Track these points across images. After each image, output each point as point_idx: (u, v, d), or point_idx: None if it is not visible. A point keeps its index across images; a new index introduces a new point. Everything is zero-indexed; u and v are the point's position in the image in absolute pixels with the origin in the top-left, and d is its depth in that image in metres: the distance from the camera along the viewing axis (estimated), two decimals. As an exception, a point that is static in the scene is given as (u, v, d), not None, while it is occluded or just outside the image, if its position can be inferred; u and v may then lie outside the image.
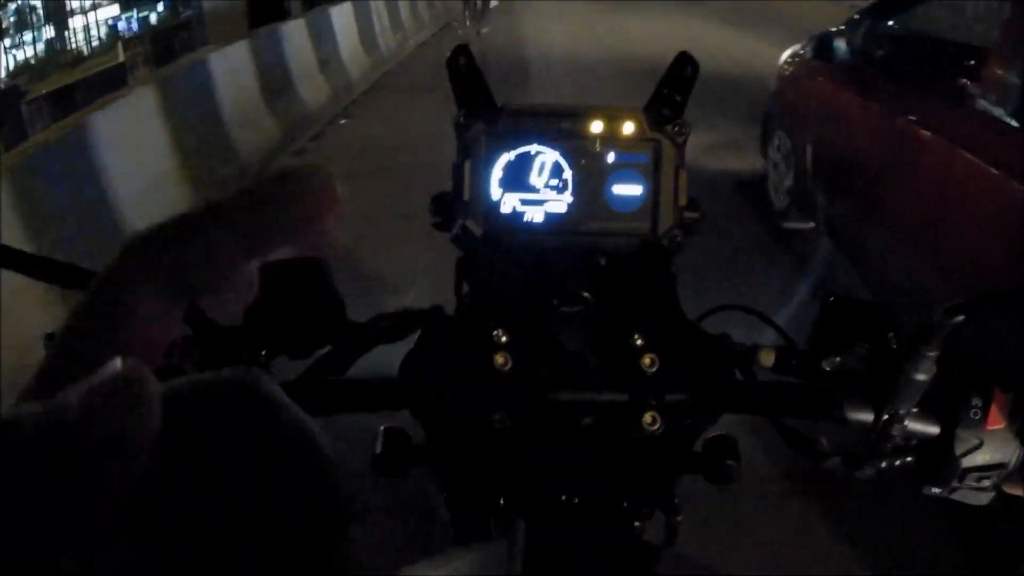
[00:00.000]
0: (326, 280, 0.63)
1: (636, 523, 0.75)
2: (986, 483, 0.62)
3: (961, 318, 0.58)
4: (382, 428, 0.78)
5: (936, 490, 0.64)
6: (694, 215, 0.73)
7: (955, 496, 0.64)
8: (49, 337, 0.60)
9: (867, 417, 0.63)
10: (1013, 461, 0.61)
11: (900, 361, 0.62)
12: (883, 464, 0.65)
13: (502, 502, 0.69)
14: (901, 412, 0.61)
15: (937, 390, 0.62)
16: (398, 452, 0.76)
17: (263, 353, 0.62)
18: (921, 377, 0.60)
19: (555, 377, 0.64)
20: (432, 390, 0.64)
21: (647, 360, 0.64)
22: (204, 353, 0.58)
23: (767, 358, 0.67)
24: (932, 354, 0.61)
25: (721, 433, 0.82)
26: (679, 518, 0.82)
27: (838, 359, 0.64)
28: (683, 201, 0.71)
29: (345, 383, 0.63)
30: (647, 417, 0.63)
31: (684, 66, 0.71)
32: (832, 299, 0.65)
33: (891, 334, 0.63)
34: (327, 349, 0.65)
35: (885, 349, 0.63)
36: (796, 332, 0.71)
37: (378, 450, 0.76)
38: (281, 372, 0.63)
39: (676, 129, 0.71)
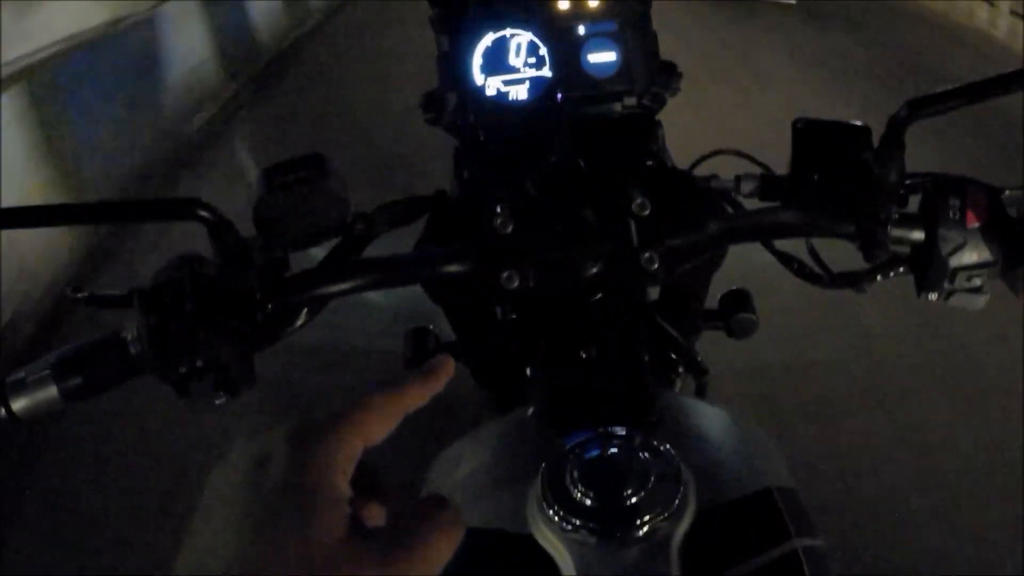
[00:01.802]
0: (329, 173, 0.66)
1: (661, 376, 0.78)
2: (977, 281, 0.64)
3: (906, 112, 0.60)
4: (409, 331, 0.82)
5: (933, 295, 0.65)
6: (671, 75, 0.75)
7: (952, 301, 0.65)
8: (75, 289, 0.64)
9: (851, 228, 0.65)
10: (1001, 258, 0.62)
11: (876, 165, 0.64)
12: (878, 276, 0.67)
13: (529, 372, 0.72)
14: (883, 217, 0.64)
15: (917, 196, 0.64)
16: (425, 349, 0.79)
17: (279, 254, 0.65)
18: (894, 177, 0.62)
19: (557, 235, 0.67)
20: (444, 257, 0.67)
21: (638, 203, 0.66)
22: (222, 251, 0.61)
23: (750, 185, 0.69)
24: (902, 151, 0.63)
25: (735, 288, 0.84)
26: (707, 377, 0.84)
27: (817, 178, 0.66)
28: (656, 60, 0.74)
29: (363, 262, 0.66)
30: (645, 255, 0.65)
31: None
32: (802, 122, 0.66)
33: (863, 145, 0.65)
34: (337, 240, 0.68)
35: (860, 162, 0.65)
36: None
37: (407, 352, 0.80)
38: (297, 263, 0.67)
39: None
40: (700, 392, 0.84)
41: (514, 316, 0.70)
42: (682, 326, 0.80)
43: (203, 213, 0.59)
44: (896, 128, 0.63)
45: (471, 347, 0.77)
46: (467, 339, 0.77)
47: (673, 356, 0.80)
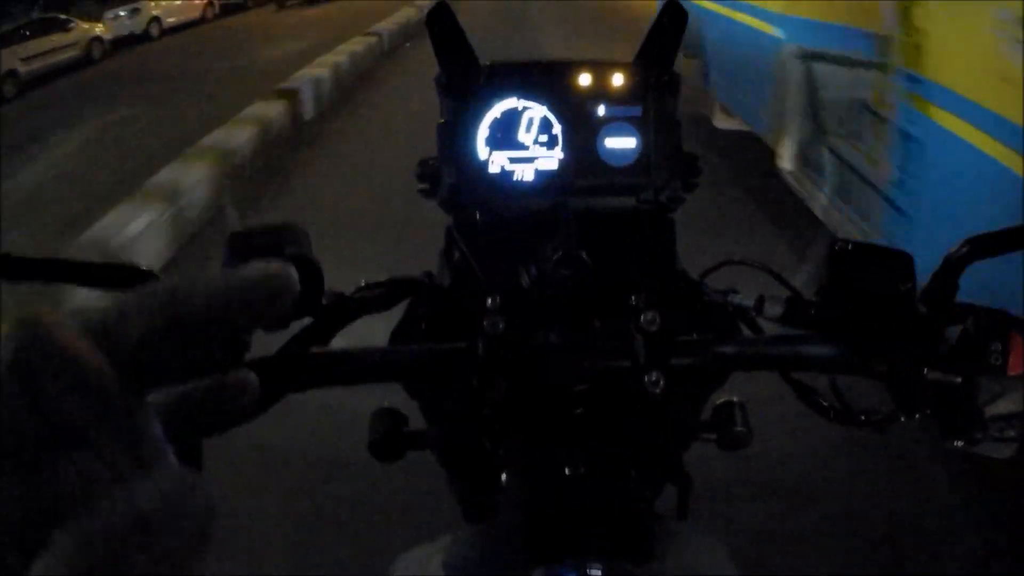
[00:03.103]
0: (302, 246, 0.59)
1: (647, 495, 0.72)
2: (1010, 433, 0.58)
3: (966, 251, 0.56)
4: (377, 411, 0.75)
5: (959, 443, 0.59)
6: (692, 169, 0.69)
7: (979, 449, 0.59)
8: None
9: (883, 367, 0.58)
10: None
11: (916, 307, 0.58)
12: (903, 418, 0.61)
13: (504, 479, 0.66)
14: (920, 361, 0.57)
15: (956, 339, 0.58)
16: (393, 435, 0.72)
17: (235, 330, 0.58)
18: (939, 322, 0.57)
19: (552, 341, 0.61)
20: (423, 358, 0.60)
21: (648, 318, 0.60)
22: None
23: (774, 309, 0.62)
24: (949, 297, 0.57)
25: (730, 398, 0.78)
26: (691, 488, 0.78)
27: (850, 308, 0.59)
28: (679, 153, 0.68)
29: (331, 355, 0.59)
30: (650, 377, 0.58)
31: (672, 14, 0.67)
32: (841, 244, 0.59)
33: (905, 279, 0.59)
34: (307, 321, 0.61)
35: (899, 295, 0.59)
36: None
37: (374, 434, 0.72)
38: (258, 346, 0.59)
39: (668, 80, 0.68)
40: (683, 505, 0.78)
41: (492, 416, 0.63)
42: (672, 441, 0.74)
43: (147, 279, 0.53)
44: (952, 266, 0.57)
45: (443, 440, 0.70)
46: (439, 430, 0.70)
47: (658, 466, 0.74)
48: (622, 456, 0.65)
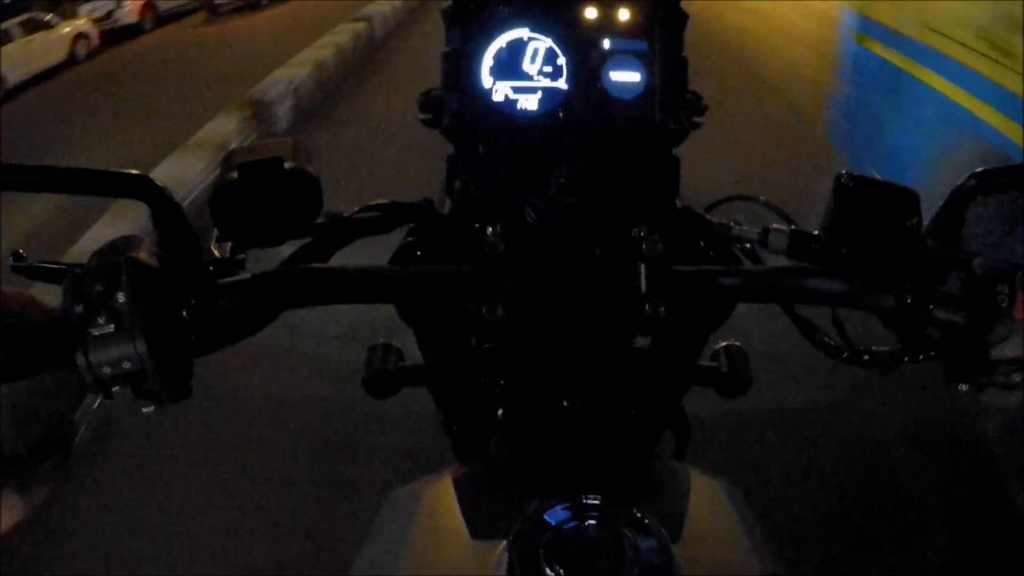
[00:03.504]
0: (301, 158, 0.58)
1: (648, 434, 0.71)
2: (1017, 377, 0.57)
3: (973, 184, 0.55)
4: (375, 345, 0.74)
5: (965, 386, 0.58)
6: (698, 106, 0.69)
7: (984, 395, 0.59)
8: (17, 257, 0.56)
9: (889, 303, 0.58)
10: None
11: (923, 242, 0.58)
12: (907, 359, 0.60)
13: (500, 413, 0.65)
14: (925, 298, 0.56)
15: (963, 280, 0.56)
16: (388, 370, 0.71)
17: (230, 245, 0.57)
18: (948, 254, 0.56)
19: (550, 266, 0.60)
20: (423, 280, 0.59)
21: (650, 246, 0.59)
22: (165, 239, 0.53)
23: (779, 241, 0.61)
24: (956, 231, 0.57)
25: (730, 343, 0.78)
26: (689, 433, 0.77)
27: (856, 243, 0.58)
28: (682, 89, 0.67)
29: (328, 271, 0.58)
30: (652, 305, 0.57)
31: None
32: (847, 177, 0.58)
33: (911, 215, 0.58)
34: (306, 240, 0.60)
35: (906, 231, 0.57)
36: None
37: (369, 369, 0.71)
38: (256, 262, 0.58)
39: (675, 13, 0.67)
40: (681, 451, 0.77)
41: (490, 346, 0.62)
42: (672, 380, 0.74)
43: (149, 191, 0.52)
44: (959, 200, 0.56)
45: (439, 373, 0.69)
46: (436, 364, 0.69)
47: (657, 408, 0.74)
48: (622, 391, 0.65)
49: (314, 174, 0.56)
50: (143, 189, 0.52)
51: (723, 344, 0.77)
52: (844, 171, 0.60)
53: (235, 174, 0.54)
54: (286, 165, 0.55)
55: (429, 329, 0.67)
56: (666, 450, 0.76)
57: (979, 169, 0.56)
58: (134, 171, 0.52)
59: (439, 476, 0.63)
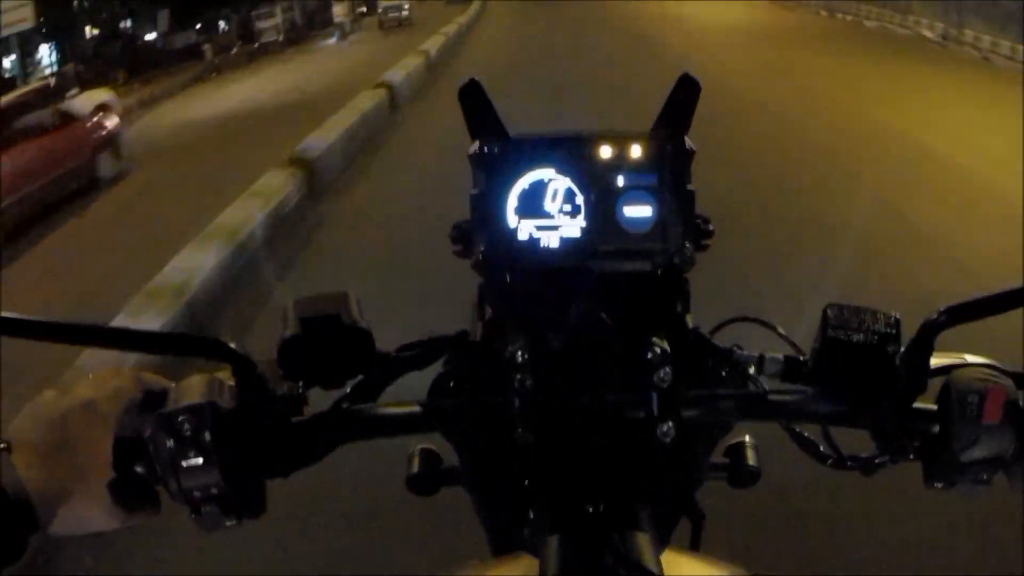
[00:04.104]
0: (354, 312, 0.67)
1: (663, 528, 0.78)
2: (984, 476, 0.65)
3: (943, 320, 0.63)
4: (415, 449, 0.82)
5: (939, 484, 0.67)
6: (705, 231, 0.75)
7: (957, 490, 0.67)
8: None
9: (869, 420, 0.67)
10: (1010, 453, 0.64)
11: (900, 364, 0.66)
12: (887, 463, 0.69)
13: (532, 515, 0.73)
14: (901, 412, 0.66)
15: (939, 390, 0.66)
16: (430, 472, 0.80)
17: (299, 385, 0.66)
18: (917, 379, 0.65)
19: (574, 394, 0.67)
20: (459, 412, 0.68)
21: (661, 373, 0.67)
22: (242, 387, 0.62)
23: (774, 366, 0.71)
24: (929, 355, 0.64)
25: (741, 439, 0.85)
26: (704, 523, 0.84)
27: (840, 370, 0.67)
28: (692, 218, 0.74)
29: (377, 410, 0.67)
30: (662, 428, 0.66)
31: (687, 87, 0.73)
32: (834, 308, 0.68)
33: (892, 341, 0.67)
34: (359, 379, 0.69)
35: (886, 353, 0.66)
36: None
37: (411, 471, 0.80)
38: (316, 401, 0.67)
39: (681, 148, 0.74)
40: (696, 538, 0.84)
41: (521, 459, 0.71)
42: (685, 479, 0.81)
43: (225, 351, 0.61)
44: (928, 332, 0.65)
45: (475, 477, 0.77)
46: (472, 469, 0.77)
47: (672, 502, 0.81)
48: (638, 495, 0.72)
49: (365, 327, 0.65)
50: (223, 351, 0.61)
51: (734, 440, 0.84)
52: (831, 303, 0.68)
53: (298, 329, 0.64)
54: (343, 319, 0.64)
55: (467, 443, 0.75)
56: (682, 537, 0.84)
57: (946, 306, 0.64)
58: (215, 337, 0.61)
59: (472, 568, 0.71)
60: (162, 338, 0.61)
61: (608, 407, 0.68)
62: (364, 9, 37.44)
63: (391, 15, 30.22)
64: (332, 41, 27.54)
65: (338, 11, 31.30)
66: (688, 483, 0.81)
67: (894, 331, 0.67)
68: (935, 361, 0.67)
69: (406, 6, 30.32)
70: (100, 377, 0.63)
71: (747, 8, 23.23)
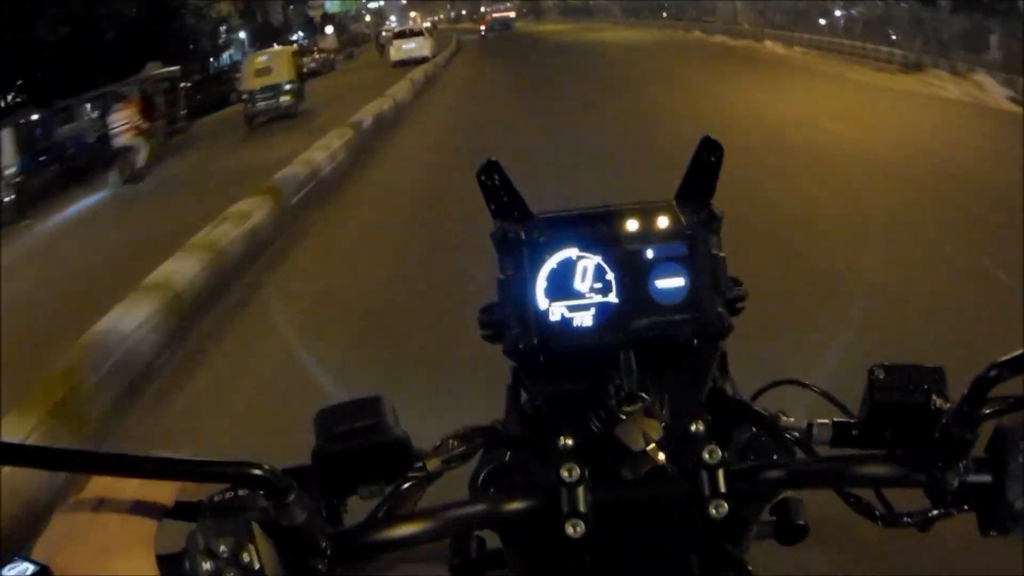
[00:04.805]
0: (387, 415, 0.66)
1: None
2: None
3: (993, 375, 0.61)
4: (454, 536, 0.81)
5: (994, 533, 0.66)
6: (738, 295, 0.74)
7: (1014, 536, 0.66)
8: None
9: (923, 479, 0.66)
10: None
11: (950, 420, 0.64)
12: (943, 516, 0.67)
13: None
14: (954, 469, 0.64)
15: (989, 439, 0.65)
16: (474, 557, 0.78)
17: (334, 498, 0.64)
18: (969, 436, 0.63)
19: (623, 481, 0.66)
20: (507, 509, 0.66)
21: (708, 452, 0.65)
22: (274, 500, 0.60)
23: (823, 433, 0.69)
24: (976, 413, 0.63)
25: (787, 496, 0.83)
26: None
27: (888, 429, 0.66)
28: (723, 284, 0.72)
29: (421, 516, 0.65)
30: (712, 507, 0.65)
31: (709, 151, 0.72)
32: (878, 369, 0.66)
33: (939, 395, 0.65)
34: (396, 486, 0.67)
35: (935, 410, 0.65)
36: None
37: (455, 556, 0.78)
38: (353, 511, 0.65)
39: (708, 215, 0.72)
40: None
41: (573, 549, 0.69)
42: (736, 542, 0.79)
43: (256, 473, 0.59)
44: (979, 388, 0.63)
45: (524, 568, 0.76)
46: (519, 559, 0.76)
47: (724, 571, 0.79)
48: (690, 567, 0.71)
49: (401, 434, 0.63)
50: (253, 479, 0.59)
51: (781, 497, 0.83)
52: (876, 363, 0.66)
53: (331, 442, 0.62)
54: (376, 430, 0.62)
55: (513, 533, 0.73)
56: None
57: (999, 360, 0.62)
58: (244, 460, 0.59)
59: None
60: (186, 464, 0.59)
61: (657, 489, 0.66)
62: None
63: (263, 103, 17.38)
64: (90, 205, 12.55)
65: (125, 136, 13.67)
66: (737, 547, 0.80)
67: (940, 385, 0.65)
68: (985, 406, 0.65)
69: (287, 85, 17.70)
70: (133, 488, 0.61)
71: (640, 31, 34.04)
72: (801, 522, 0.81)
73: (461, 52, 34.09)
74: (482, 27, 52.85)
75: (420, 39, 30.12)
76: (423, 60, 27.16)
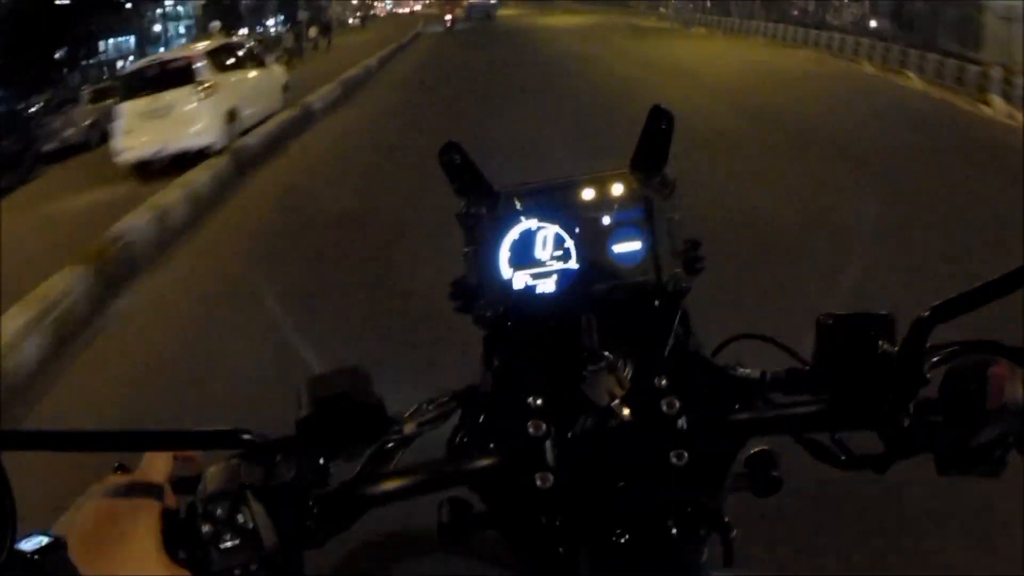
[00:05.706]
0: (366, 384, 0.70)
1: (692, 547, 0.80)
2: (997, 454, 0.66)
3: (929, 316, 0.64)
4: (444, 500, 0.85)
5: (953, 472, 0.68)
6: (695, 256, 0.77)
7: (973, 473, 0.68)
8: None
9: (876, 420, 0.68)
10: (1018, 432, 0.64)
11: (896, 362, 0.67)
12: (901, 457, 0.69)
13: (562, 550, 0.75)
14: (903, 411, 0.67)
15: (941, 382, 0.67)
16: (461, 521, 0.82)
17: (320, 460, 0.69)
18: (917, 377, 0.66)
19: (587, 435, 0.70)
20: (480, 465, 0.70)
21: (666, 404, 0.69)
22: (268, 469, 0.65)
23: (776, 381, 0.73)
24: (924, 351, 0.66)
25: (760, 449, 0.86)
26: (734, 535, 0.86)
27: (839, 375, 0.70)
28: (680, 246, 0.76)
29: (401, 471, 0.70)
30: (673, 456, 0.69)
31: (660, 119, 0.75)
32: (824, 317, 0.70)
33: (887, 341, 0.69)
34: (376, 446, 0.71)
35: (882, 353, 0.68)
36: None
37: (442, 520, 0.82)
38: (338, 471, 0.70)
39: (662, 181, 0.76)
40: (728, 553, 0.86)
41: (546, 500, 0.73)
42: (708, 495, 0.82)
43: (246, 438, 0.63)
44: (919, 330, 0.65)
45: (504, 521, 0.80)
46: (499, 513, 0.79)
47: (698, 519, 0.82)
48: (664, 519, 0.74)
49: (375, 399, 0.67)
50: (242, 443, 0.63)
51: (754, 450, 0.85)
52: (823, 312, 0.69)
53: (313, 408, 0.67)
54: (354, 395, 0.67)
55: (494, 492, 0.77)
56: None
57: (936, 303, 0.65)
58: (233, 428, 0.64)
59: None
60: (182, 436, 0.64)
61: (622, 440, 0.69)
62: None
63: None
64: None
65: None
66: (712, 500, 0.83)
67: (888, 330, 0.68)
68: (934, 352, 0.68)
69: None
70: (142, 464, 0.67)
71: (586, 16, 41.26)
72: (775, 474, 0.84)
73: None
74: (448, 17, 37.49)
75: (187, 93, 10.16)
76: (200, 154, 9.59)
